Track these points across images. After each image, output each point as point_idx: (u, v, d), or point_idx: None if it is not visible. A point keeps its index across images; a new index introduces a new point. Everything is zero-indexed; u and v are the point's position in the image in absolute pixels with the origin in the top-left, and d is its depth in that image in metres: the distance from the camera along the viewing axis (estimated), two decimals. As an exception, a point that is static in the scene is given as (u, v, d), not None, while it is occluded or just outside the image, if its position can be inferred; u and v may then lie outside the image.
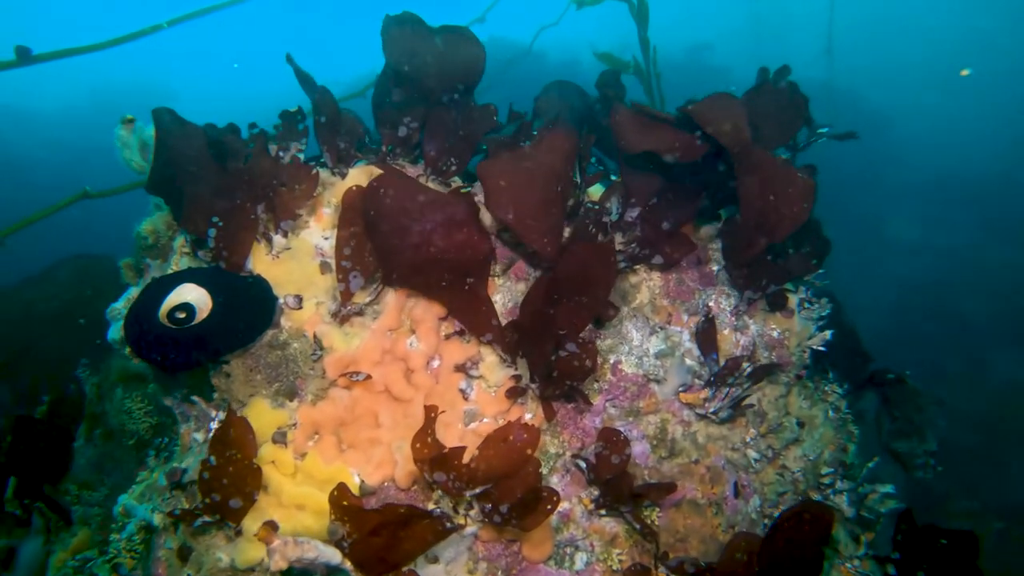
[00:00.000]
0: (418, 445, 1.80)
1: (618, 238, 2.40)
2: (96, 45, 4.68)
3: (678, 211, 2.31)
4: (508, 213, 1.97)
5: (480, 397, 2.14)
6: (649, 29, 5.88)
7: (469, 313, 2.13)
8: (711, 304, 2.50)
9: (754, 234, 2.29)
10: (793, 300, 2.53)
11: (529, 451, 1.79)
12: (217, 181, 1.96)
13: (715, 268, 2.54)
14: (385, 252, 2.02)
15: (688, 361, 2.38)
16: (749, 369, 2.44)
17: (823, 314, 2.71)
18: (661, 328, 2.40)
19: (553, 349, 2.01)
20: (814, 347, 2.58)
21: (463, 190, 2.19)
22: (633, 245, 2.34)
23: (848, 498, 2.61)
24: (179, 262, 2.15)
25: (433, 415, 1.81)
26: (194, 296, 1.83)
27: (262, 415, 1.93)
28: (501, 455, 1.77)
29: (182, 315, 1.80)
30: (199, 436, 2.06)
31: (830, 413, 2.76)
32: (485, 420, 2.11)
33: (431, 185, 2.25)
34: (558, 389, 2.02)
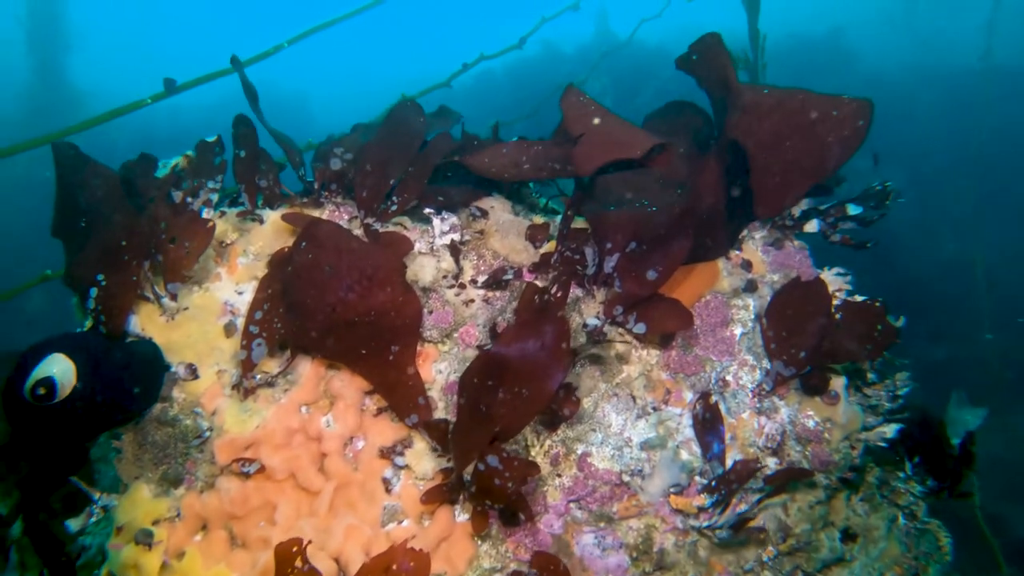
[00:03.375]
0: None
1: (599, 296, 1.92)
2: (224, 71, 4.81)
3: (666, 251, 1.76)
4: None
5: (405, 491, 1.76)
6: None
7: (392, 388, 1.75)
8: (728, 378, 1.95)
9: (762, 179, 1.90)
10: (838, 382, 1.91)
11: (415, 589, 1.39)
12: (105, 232, 1.72)
13: (737, 332, 1.98)
14: (297, 314, 1.70)
15: (684, 455, 1.86)
16: (771, 470, 1.88)
17: (899, 393, 2.06)
18: (654, 409, 1.89)
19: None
20: (871, 443, 1.95)
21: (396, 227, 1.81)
22: (618, 308, 1.85)
23: (915, 644, 1.97)
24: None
25: (295, 549, 1.45)
26: (58, 370, 1.59)
27: (139, 505, 1.68)
28: (377, 594, 1.39)
29: (42, 391, 1.57)
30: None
31: (900, 521, 2.11)
32: (405, 523, 1.73)
33: (358, 232, 1.88)
34: (479, 505, 1.60)
